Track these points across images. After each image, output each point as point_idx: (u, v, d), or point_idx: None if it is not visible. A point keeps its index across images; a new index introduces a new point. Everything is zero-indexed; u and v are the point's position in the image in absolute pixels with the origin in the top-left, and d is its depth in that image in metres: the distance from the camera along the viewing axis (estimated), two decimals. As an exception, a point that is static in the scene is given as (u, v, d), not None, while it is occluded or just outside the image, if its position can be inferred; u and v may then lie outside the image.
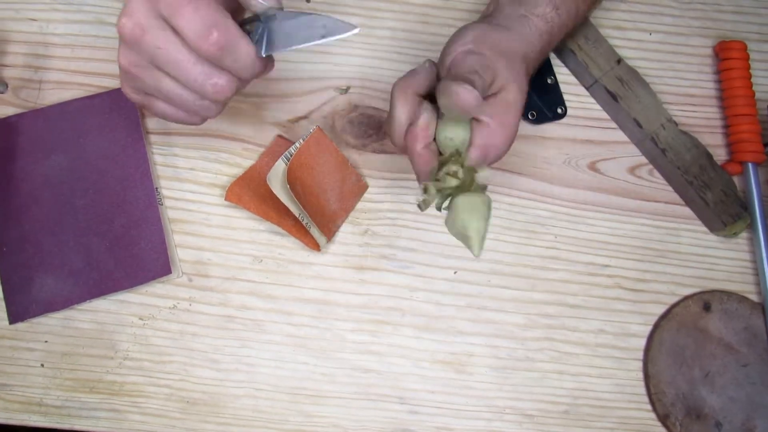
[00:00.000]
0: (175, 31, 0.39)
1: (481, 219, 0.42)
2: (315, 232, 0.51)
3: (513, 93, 0.44)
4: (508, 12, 0.48)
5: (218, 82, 0.41)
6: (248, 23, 0.42)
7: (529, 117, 0.56)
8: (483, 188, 0.44)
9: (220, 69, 0.41)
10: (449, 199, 0.44)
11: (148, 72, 0.42)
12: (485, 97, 0.43)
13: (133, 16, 0.39)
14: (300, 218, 0.50)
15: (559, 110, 0.57)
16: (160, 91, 0.42)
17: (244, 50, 0.40)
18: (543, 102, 0.57)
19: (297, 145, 0.50)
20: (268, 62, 0.43)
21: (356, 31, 0.41)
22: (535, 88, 0.57)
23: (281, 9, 0.41)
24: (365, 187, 0.55)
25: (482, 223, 0.42)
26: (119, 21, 0.40)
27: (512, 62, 0.45)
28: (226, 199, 0.52)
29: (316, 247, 0.52)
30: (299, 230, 0.52)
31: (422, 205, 0.45)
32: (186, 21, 0.39)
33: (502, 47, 0.45)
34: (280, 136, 0.55)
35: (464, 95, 0.40)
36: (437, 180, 0.44)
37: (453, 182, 0.44)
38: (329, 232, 0.53)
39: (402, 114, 0.44)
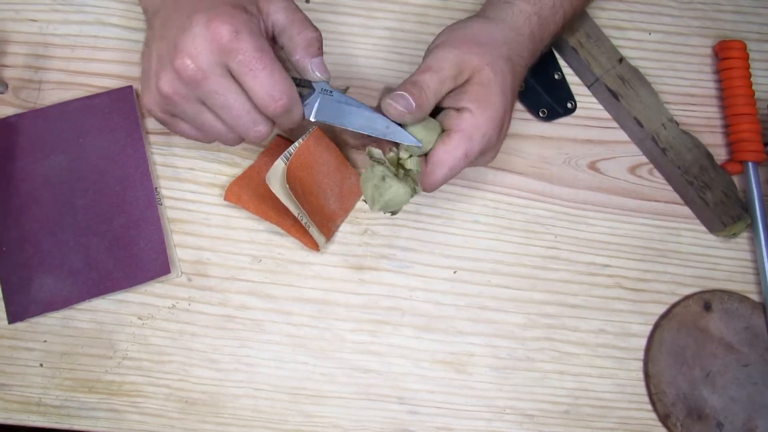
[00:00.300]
0: (235, 79, 0.41)
1: (365, 183, 0.45)
2: (314, 231, 0.51)
3: (486, 74, 0.45)
4: (494, 1, 0.50)
5: (261, 129, 0.44)
6: (299, 86, 0.45)
7: (540, 114, 0.56)
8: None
9: (267, 118, 0.43)
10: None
11: (191, 104, 0.43)
12: (461, 85, 0.45)
13: (196, 61, 0.40)
14: (299, 218, 0.50)
15: (569, 104, 0.57)
16: (195, 121, 0.44)
17: (297, 113, 0.44)
18: (552, 98, 0.57)
19: (296, 144, 0.50)
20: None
21: (417, 143, 0.44)
22: (543, 85, 0.57)
23: (329, 80, 0.45)
24: (365, 186, 0.55)
25: (367, 185, 0.45)
26: (180, 60, 0.40)
27: (487, 49, 0.46)
28: (225, 199, 0.52)
29: (315, 246, 0.52)
30: (298, 230, 0.52)
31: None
32: (260, 83, 0.41)
33: (472, 38, 0.47)
34: (279, 136, 0.55)
35: (392, 110, 0.44)
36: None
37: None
38: (328, 232, 0.53)
39: None
